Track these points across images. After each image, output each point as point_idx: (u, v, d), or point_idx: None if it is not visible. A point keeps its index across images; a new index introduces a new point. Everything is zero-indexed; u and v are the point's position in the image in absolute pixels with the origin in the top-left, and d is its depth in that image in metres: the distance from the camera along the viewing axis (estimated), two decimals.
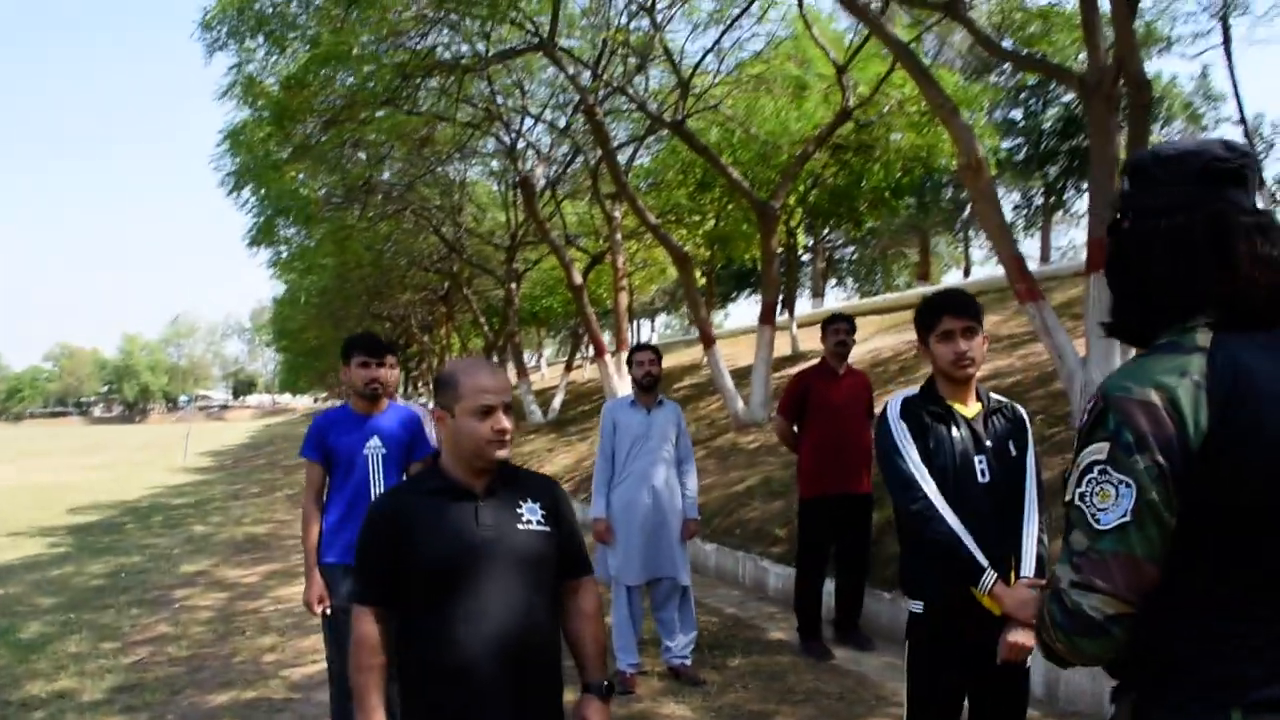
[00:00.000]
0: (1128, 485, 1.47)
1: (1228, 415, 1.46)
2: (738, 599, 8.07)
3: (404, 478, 4.46)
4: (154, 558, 11.52)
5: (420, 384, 42.79)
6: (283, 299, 35.43)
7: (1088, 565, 1.49)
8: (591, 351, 20.57)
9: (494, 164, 21.24)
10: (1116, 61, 7.36)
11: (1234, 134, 26.19)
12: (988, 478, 3.04)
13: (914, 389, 3.24)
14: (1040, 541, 3.05)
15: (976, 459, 3.06)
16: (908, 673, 3.16)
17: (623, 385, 16.08)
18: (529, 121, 17.85)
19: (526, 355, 32.98)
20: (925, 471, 3.00)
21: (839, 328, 6.36)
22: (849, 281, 45.53)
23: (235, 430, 56.21)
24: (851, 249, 40.10)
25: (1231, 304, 1.55)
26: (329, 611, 4.25)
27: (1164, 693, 1.55)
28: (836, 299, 40.75)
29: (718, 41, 14.20)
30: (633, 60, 14.19)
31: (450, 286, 29.07)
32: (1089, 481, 1.51)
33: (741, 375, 15.52)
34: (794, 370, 17.84)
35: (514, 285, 23.15)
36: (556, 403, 23.27)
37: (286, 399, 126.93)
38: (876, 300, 28.42)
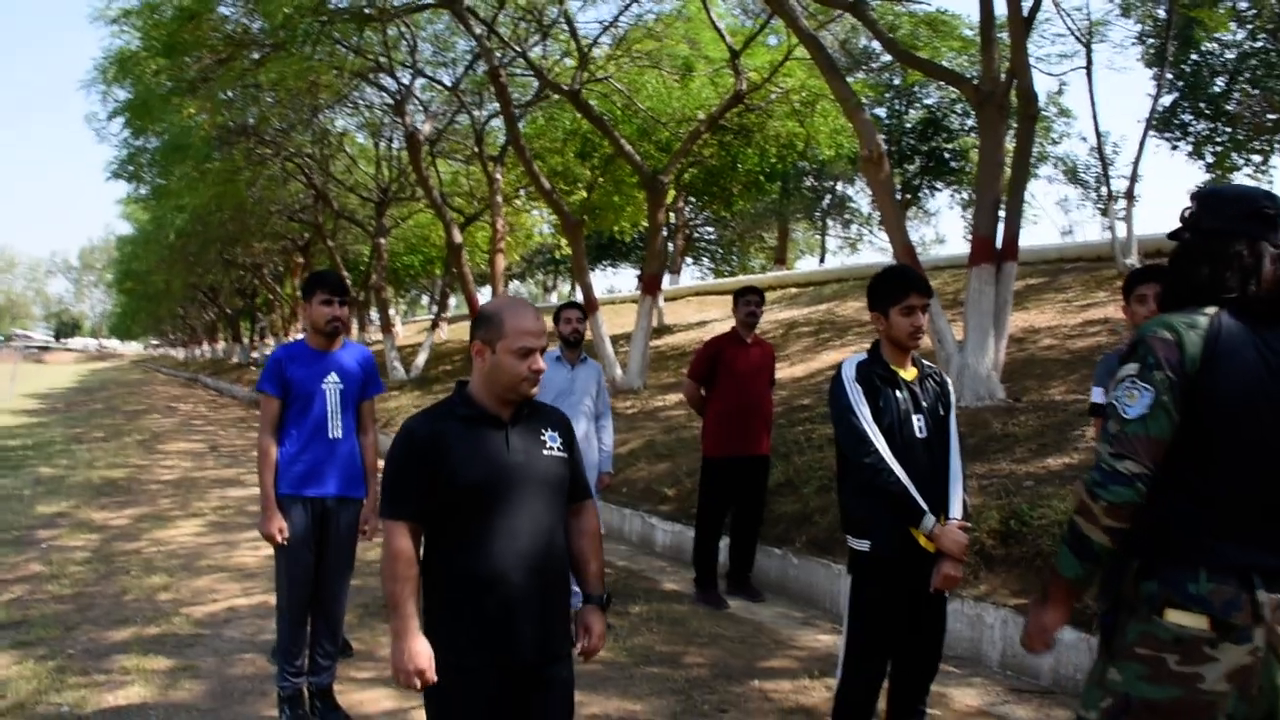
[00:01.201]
0: (1148, 389, 2.20)
1: (1211, 357, 2.21)
2: (627, 553, 8.44)
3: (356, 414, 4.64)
4: (3, 498, 11.12)
5: (268, 334, 41.63)
6: (131, 238, 33.92)
7: (1121, 442, 2.20)
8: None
9: (374, 117, 20.92)
10: (1010, 75, 7.96)
11: (1080, 149, 27.93)
12: (924, 434, 3.51)
13: (862, 354, 3.64)
14: (964, 488, 3.52)
15: (915, 418, 3.51)
16: (851, 600, 3.56)
17: None
18: (412, 77, 17.71)
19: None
20: (876, 428, 3.44)
21: (750, 299, 6.76)
22: (705, 260, 46.40)
23: (59, 374, 53.41)
24: (711, 229, 40.87)
25: (1247, 301, 2.28)
26: (286, 541, 4.38)
27: (1157, 558, 2.23)
28: (691, 277, 41.46)
29: (620, 15, 14.43)
30: (533, 26, 14.29)
31: (312, 237, 28.48)
32: (1123, 387, 2.24)
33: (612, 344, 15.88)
34: (661, 341, 18.36)
35: (382, 240, 22.90)
36: (420, 361, 23.17)
37: (114, 344, 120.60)
38: (723, 282, 29.28)
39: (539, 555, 2.66)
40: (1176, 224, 2.48)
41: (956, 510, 3.46)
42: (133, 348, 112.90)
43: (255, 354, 41.84)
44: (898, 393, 3.52)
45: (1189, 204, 2.43)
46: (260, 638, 5.87)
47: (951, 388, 3.76)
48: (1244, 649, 2.14)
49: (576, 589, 2.94)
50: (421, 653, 2.59)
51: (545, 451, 2.74)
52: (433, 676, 2.59)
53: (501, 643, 2.61)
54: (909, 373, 3.60)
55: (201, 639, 5.88)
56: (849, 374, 3.54)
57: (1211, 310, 2.27)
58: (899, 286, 3.56)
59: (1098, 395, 4.28)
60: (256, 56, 12.56)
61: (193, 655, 5.54)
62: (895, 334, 3.54)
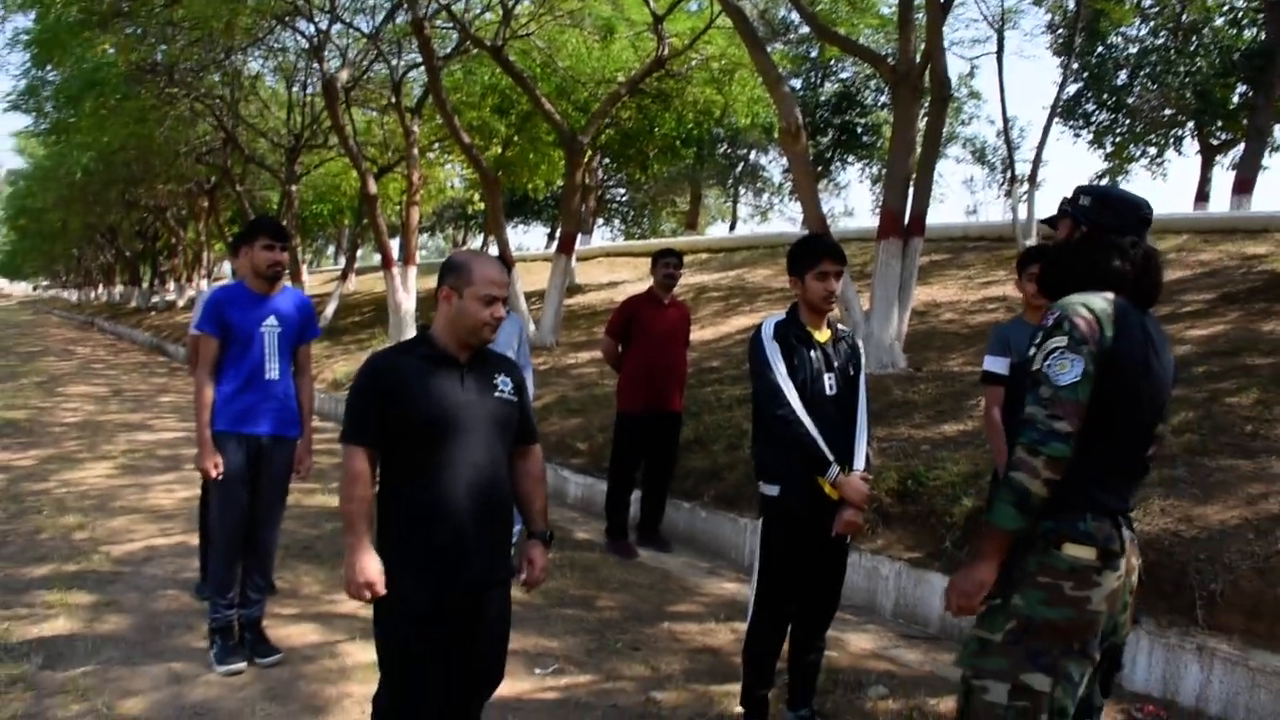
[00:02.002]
0: (1078, 360, 2.50)
1: (1117, 335, 2.56)
2: None
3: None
4: None
5: (171, 278, 40.52)
6: (25, 173, 32.63)
7: (1055, 405, 2.49)
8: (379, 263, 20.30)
9: (289, 61, 20.53)
10: (925, 57, 8.30)
11: (987, 131, 28.67)
12: (834, 391, 3.82)
13: (781, 314, 3.94)
14: (869, 444, 3.85)
15: (826, 376, 3.82)
16: (761, 541, 3.86)
17: (407, 298, 16.23)
18: (330, 22, 17.42)
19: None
20: (790, 384, 3.74)
21: (669, 261, 7.01)
22: (616, 222, 46.47)
23: None
24: (624, 191, 40.97)
25: (1135, 291, 2.68)
26: (221, 476, 4.51)
27: (1056, 507, 2.56)
28: (603, 238, 41.55)
29: None
30: None
31: (218, 181, 27.83)
32: (1052, 358, 2.53)
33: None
34: (573, 300, 18.53)
35: (293, 188, 22.56)
36: (329, 311, 22.94)
37: (1, 283, 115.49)
38: (634, 244, 29.51)
39: (485, 488, 2.91)
40: (1061, 212, 2.84)
41: (860, 463, 3.79)
42: (20, 288, 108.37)
43: (155, 298, 40.70)
44: (812, 352, 3.82)
45: (1082, 199, 2.78)
46: (182, 575, 5.98)
47: (863, 351, 4.07)
48: (1115, 575, 2.56)
49: (518, 525, 3.18)
50: (372, 566, 2.83)
51: (497, 394, 2.98)
52: (381, 589, 2.83)
53: (447, 566, 2.86)
54: (823, 334, 3.90)
55: (122, 576, 5.96)
56: (767, 332, 3.83)
57: (1111, 295, 2.62)
58: (814, 253, 3.86)
59: (989, 364, 4.64)
60: None
61: (115, 591, 5.63)
62: (810, 297, 3.84)
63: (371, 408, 2.88)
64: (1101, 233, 2.71)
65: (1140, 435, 2.67)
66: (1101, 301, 2.59)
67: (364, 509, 2.88)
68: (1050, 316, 2.59)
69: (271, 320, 4.62)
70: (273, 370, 4.63)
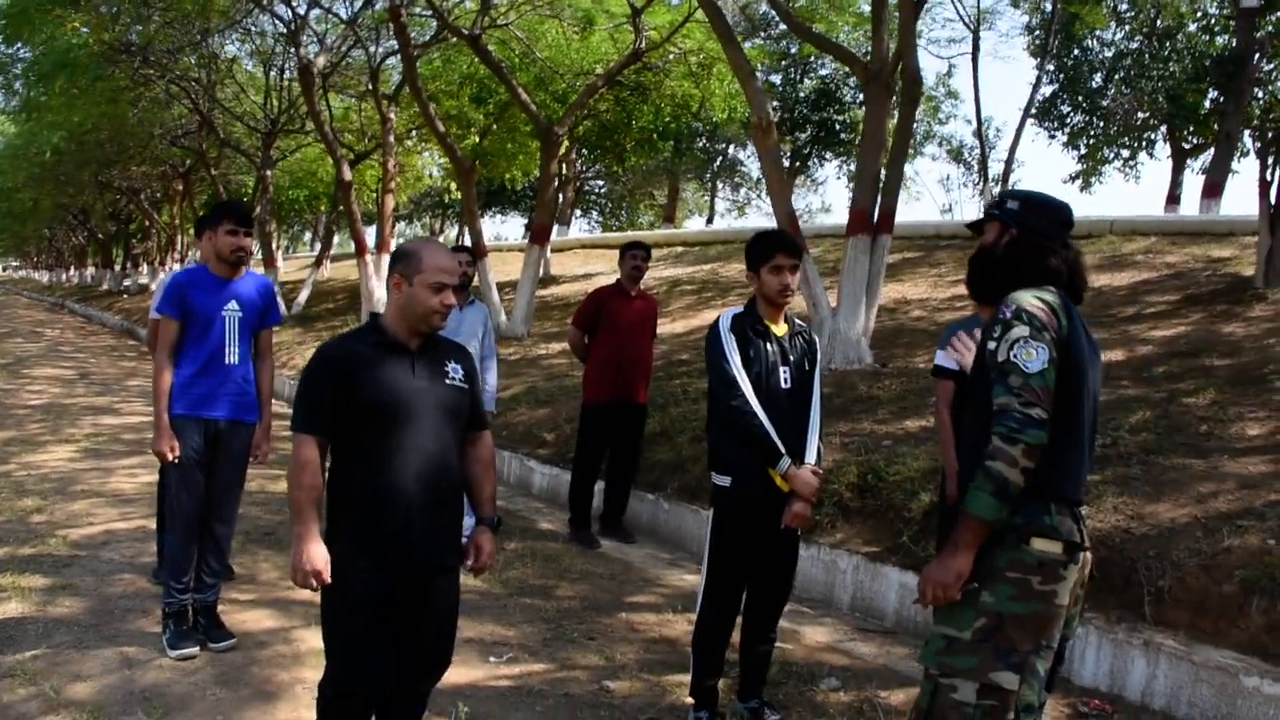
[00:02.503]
0: (1043, 347, 2.55)
1: (1068, 325, 2.63)
2: (505, 494, 8.67)
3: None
4: None
5: (144, 261, 40.17)
6: None
7: (1028, 392, 2.51)
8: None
9: (266, 45, 20.38)
10: (897, 56, 8.34)
11: (965, 130, 28.92)
12: (789, 384, 3.84)
13: (739, 308, 3.96)
14: (821, 438, 3.88)
15: (782, 369, 3.85)
16: (711, 530, 3.89)
17: (380, 286, 16.17)
18: (308, 7, 17.33)
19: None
20: (745, 375, 3.76)
21: (636, 254, 7.03)
22: (594, 214, 46.43)
23: None
24: (602, 183, 40.93)
25: (1071, 287, 2.78)
26: (178, 460, 4.50)
27: (1023, 499, 2.57)
28: (580, 230, 41.48)
29: None
30: None
31: (193, 164, 27.61)
32: (1018, 347, 2.55)
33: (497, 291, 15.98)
34: (547, 291, 18.52)
35: (268, 173, 22.43)
36: (302, 297, 22.86)
37: None
38: (611, 236, 29.49)
39: (434, 473, 2.92)
40: (987, 215, 2.93)
41: (811, 456, 3.81)
42: None
43: (128, 281, 40.36)
44: (768, 345, 3.84)
45: (1010, 203, 2.87)
46: (139, 560, 5.95)
47: (819, 346, 4.10)
48: (1077, 568, 2.61)
49: (470, 519, 3.19)
50: (318, 555, 2.83)
51: (448, 381, 2.99)
52: (327, 578, 2.84)
53: (396, 550, 2.87)
54: (780, 328, 3.93)
55: (79, 560, 5.92)
56: (725, 324, 3.85)
57: (1052, 288, 2.71)
58: (768, 247, 3.89)
59: (941, 359, 4.68)
60: None
61: (70, 575, 5.59)
62: (766, 291, 3.87)
63: (322, 396, 2.89)
64: (1032, 235, 2.78)
65: (1091, 424, 2.71)
66: (1049, 294, 2.66)
67: (313, 497, 2.88)
68: (1006, 309, 2.62)
69: (233, 305, 4.60)
70: (233, 355, 4.61)
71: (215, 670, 4.40)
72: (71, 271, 59.41)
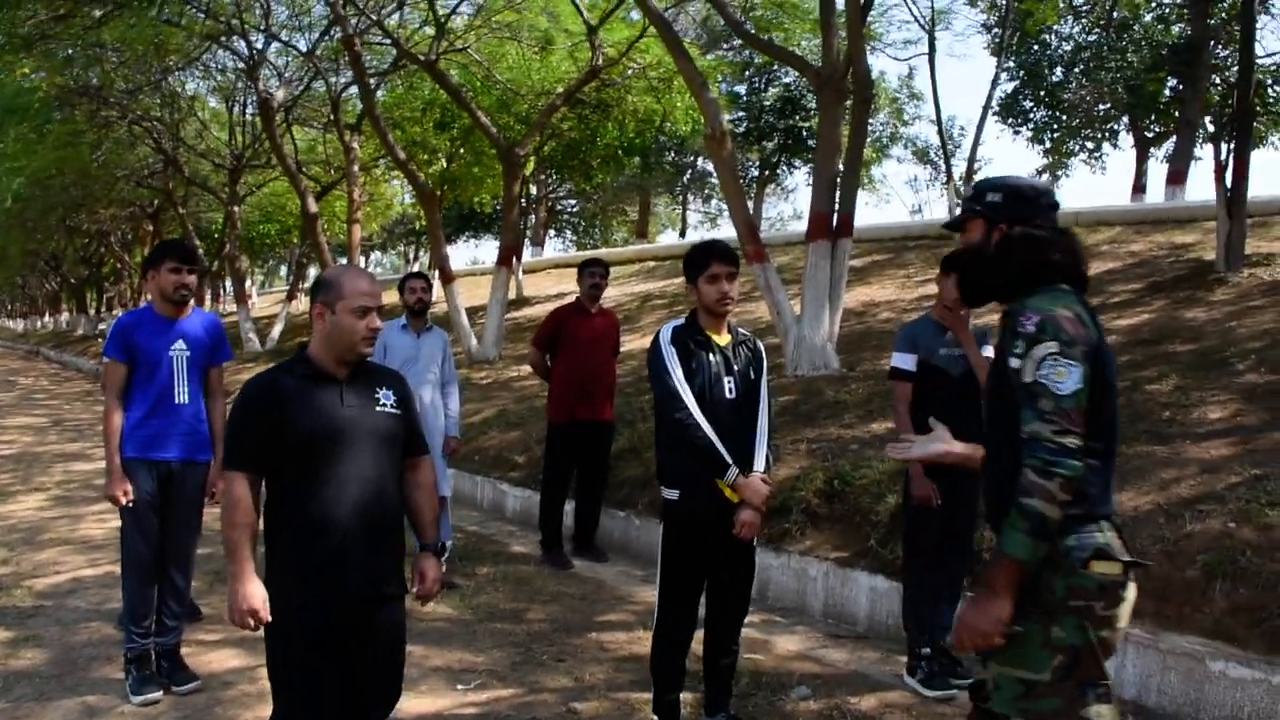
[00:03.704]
0: (1075, 365, 2.32)
1: (1097, 331, 2.43)
2: (478, 519, 8.65)
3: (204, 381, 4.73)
4: None
5: (116, 304, 39.94)
6: None
7: (1061, 418, 2.30)
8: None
9: (227, 80, 20.35)
10: (847, 60, 8.38)
11: (930, 131, 29.15)
12: (734, 395, 3.82)
13: (680, 320, 3.94)
14: (769, 447, 3.86)
15: (726, 379, 3.83)
16: (663, 545, 3.87)
17: None
18: (266, 41, 17.30)
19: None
20: (688, 387, 3.74)
21: (595, 271, 7.01)
22: (568, 233, 46.47)
23: None
24: (574, 202, 40.98)
25: (1080, 278, 2.55)
26: (131, 503, 4.45)
27: (1073, 521, 2.38)
28: (555, 249, 41.53)
29: None
30: None
31: (161, 204, 27.52)
32: (1046, 365, 2.33)
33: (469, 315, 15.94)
34: (520, 313, 18.50)
35: (236, 209, 22.37)
36: (275, 332, 22.77)
37: None
38: (585, 254, 29.41)
39: (370, 503, 2.89)
40: (967, 212, 2.69)
41: (760, 465, 3.78)
42: None
43: (102, 325, 40.11)
44: (711, 356, 3.82)
45: (990, 195, 2.63)
46: (106, 606, 5.88)
47: (764, 353, 4.08)
48: (1134, 586, 2.43)
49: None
50: (255, 594, 2.80)
51: (379, 408, 2.96)
52: (266, 616, 2.80)
53: (331, 582, 2.84)
54: (723, 338, 3.90)
55: (44, 610, 5.85)
56: (665, 337, 3.83)
57: (1066, 287, 2.50)
58: (704, 257, 3.86)
59: (897, 360, 4.69)
60: (99, 14, 12.10)
61: (34, 625, 5.52)
62: (706, 301, 3.84)
63: (250, 431, 2.86)
64: (1023, 225, 2.57)
65: (1117, 428, 2.51)
66: (1069, 297, 2.45)
67: (246, 536, 2.85)
68: (1027, 321, 2.38)
69: (180, 344, 4.57)
70: (182, 394, 4.57)
71: (178, 714, 4.34)
72: (46, 318, 59.06)
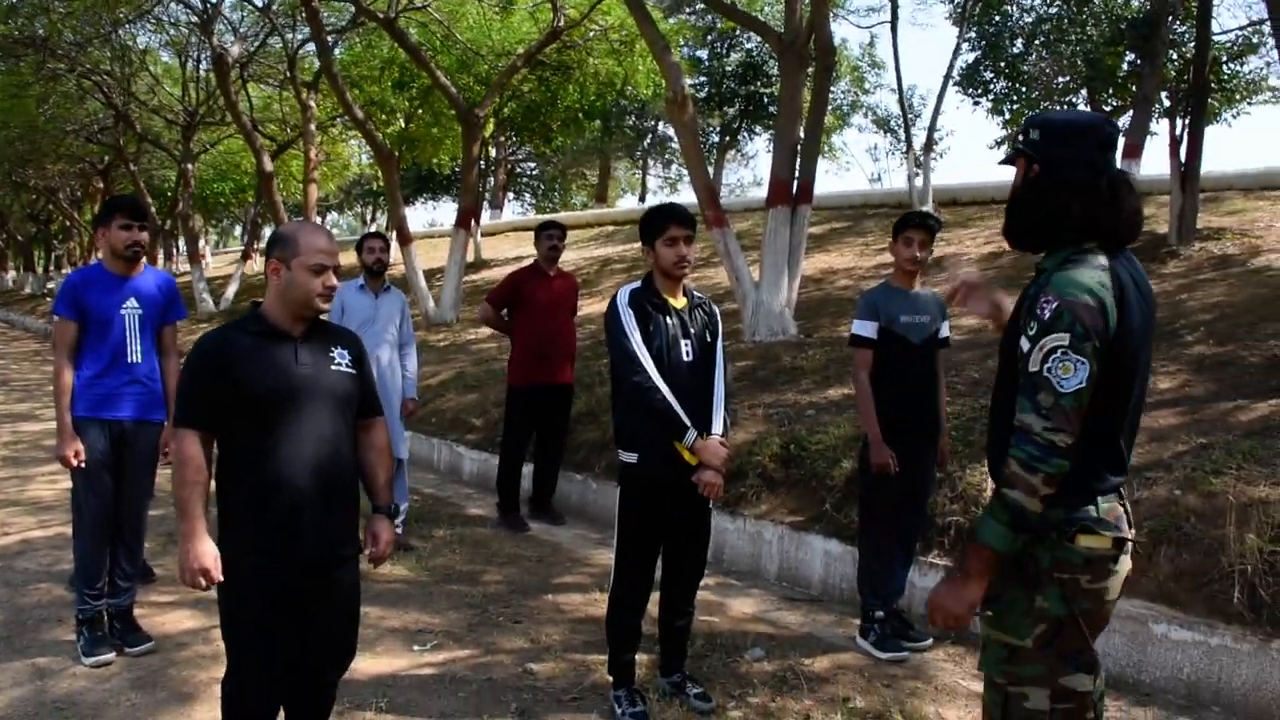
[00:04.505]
0: (1083, 362, 2.22)
1: (1120, 314, 2.29)
2: (435, 481, 8.64)
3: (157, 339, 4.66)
4: None
5: (65, 263, 39.20)
6: None
7: (1057, 416, 2.23)
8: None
9: (180, 35, 19.91)
10: (810, 26, 8.36)
11: (891, 100, 29.24)
12: (690, 357, 3.83)
13: (637, 283, 3.94)
14: (727, 410, 3.88)
15: (683, 343, 3.83)
16: (620, 508, 3.88)
17: None
18: None
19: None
20: (645, 350, 3.74)
21: (552, 233, 6.98)
22: (527, 196, 46.22)
23: None
24: (533, 165, 40.72)
25: (1113, 233, 2.37)
26: (83, 464, 4.39)
27: (1065, 493, 2.31)
28: (514, 212, 41.27)
29: None
30: None
31: (112, 160, 26.96)
32: (1054, 359, 2.24)
33: (427, 277, 15.84)
34: (478, 275, 18.39)
35: (190, 166, 21.98)
36: (230, 292, 22.49)
37: None
38: (544, 218, 29.21)
39: (324, 462, 2.86)
40: (1015, 149, 2.48)
41: (718, 427, 3.80)
42: None
43: (51, 284, 39.37)
44: (668, 319, 3.82)
45: (1031, 132, 2.45)
46: (57, 568, 5.81)
47: (719, 317, 4.09)
48: (1127, 558, 2.40)
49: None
50: (206, 553, 2.77)
51: (334, 367, 2.93)
52: (217, 575, 2.78)
53: (286, 543, 2.81)
54: (679, 301, 3.91)
55: None
56: (623, 300, 3.82)
57: (1101, 256, 2.34)
58: (661, 219, 3.85)
59: (858, 328, 4.71)
60: None
61: None
62: (662, 264, 3.83)
63: (202, 389, 2.82)
64: (1054, 169, 2.39)
65: (1140, 396, 2.45)
66: (1099, 275, 2.30)
67: (197, 493, 2.81)
68: (1046, 305, 2.28)
69: (132, 302, 4.49)
70: (135, 353, 4.51)
71: (131, 675, 4.31)
72: None
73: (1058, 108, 25.85)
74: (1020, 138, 2.48)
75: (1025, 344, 2.30)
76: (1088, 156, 2.36)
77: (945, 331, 4.80)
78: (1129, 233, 2.38)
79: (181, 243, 28.94)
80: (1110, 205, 2.34)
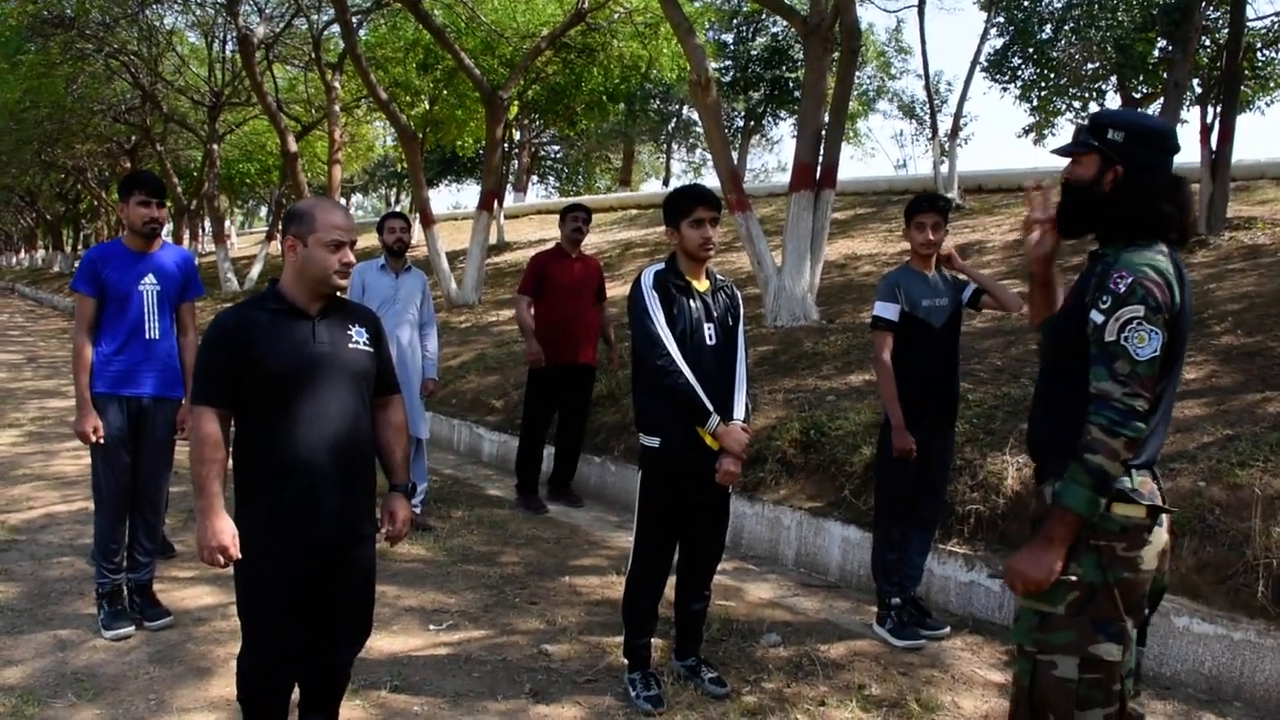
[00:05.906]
0: (1155, 332, 2.36)
1: (1180, 294, 2.43)
2: (454, 462, 8.66)
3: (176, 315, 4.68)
4: None
5: (94, 241, 39.49)
6: None
7: (1135, 381, 2.36)
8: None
9: (206, 15, 19.96)
10: (835, 9, 8.29)
11: (917, 86, 28.97)
12: (714, 341, 3.80)
13: (661, 264, 3.91)
14: (748, 395, 3.85)
15: (707, 326, 3.80)
16: (640, 492, 3.86)
17: None
18: None
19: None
20: (669, 332, 3.71)
21: (576, 215, 6.96)
22: (551, 179, 46.16)
23: None
24: (557, 148, 40.66)
25: (1182, 230, 2.53)
26: (101, 440, 4.41)
27: None
28: (538, 195, 41.26)
29: None
30: None
31: (139, 140, 27.09)
32: (1130, 329, 2.37)
33: (450, 259, 15.85)
34: (500, 258, 18.40)
35: (215, 146, 22.05)
36: (254, 272, 22.58)
37: None
38: (568, 200, 29.20)
39: (342, 440, 2.85)
40: (1082, 144, 2.56)
41: (739, 412, 3.76)
42: None
43: (78, 263, 39.67)
44: (691, 302, 3.79)
45: (1112, 133, 2.53)
46: (79, 541, 5.86)
47: (741, 300, 4.06)
48: (1164, 530, 2.50)
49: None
50: (224, 530, 2.77)
51: (351, 345, 2.92)
52: (236, 553, 2.78)
53: (304, 521, 2.81)
54: (703, 284, 3.88)
55: (16, 544, 5.82)
56: (647, 282, 3.79)
57: (1164, 245, 2.49)
58: (688, 201, 3.81)
59: (880, 309, 4.67)
60: None
61: (7, 560, 5.50)
62: (687, 246, 3.80)
63: (220, 366, 2.81)
64: (1143, 172, 2.51)
65: (1175, 382, 2.57)
66: (1164, 259, 2.44)
67: (215, 471, 2.80)
68: (1119, 280, 2.40)
69: (150, 279, 4.50)
70: (153, 329, 4.52)
71: (150, 649, 4.34)
72: (21, 254, 58.41)
73: (1086, 95, 25.62)
74: (1094, 136, 2.55)
75: (1099, 316, 2.41)
76: (1168, 161, 2.53)
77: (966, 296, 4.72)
78: (1193, 230, 2.58)
79: (207, 223, 29.10)
80: (1182, 206, 2.51)
